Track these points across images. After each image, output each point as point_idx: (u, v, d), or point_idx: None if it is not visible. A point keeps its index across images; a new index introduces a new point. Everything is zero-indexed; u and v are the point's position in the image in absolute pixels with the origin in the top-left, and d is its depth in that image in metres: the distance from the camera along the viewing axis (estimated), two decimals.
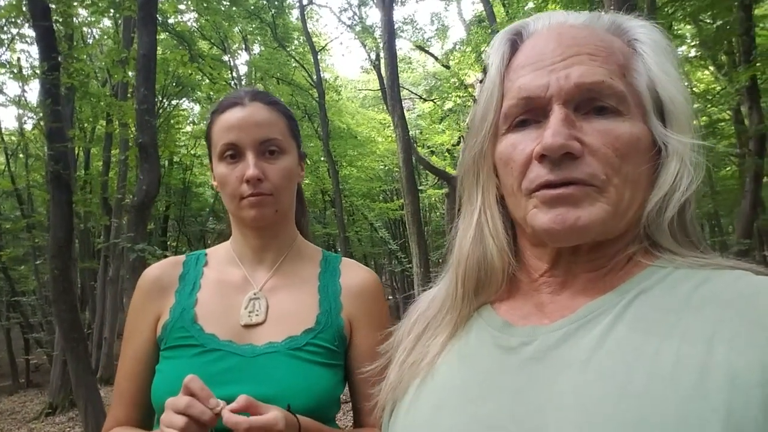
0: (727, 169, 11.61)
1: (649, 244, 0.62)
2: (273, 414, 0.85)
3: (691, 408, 0.47)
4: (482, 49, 12.58)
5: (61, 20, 6.40)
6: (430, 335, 0.72)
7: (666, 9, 6.80)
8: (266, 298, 1.09)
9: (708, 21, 8.09)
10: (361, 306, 1.12)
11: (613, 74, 0.59)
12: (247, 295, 1.09)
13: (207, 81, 14.30)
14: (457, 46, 15.44)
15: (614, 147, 0.57)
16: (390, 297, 21.49)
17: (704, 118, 9.90)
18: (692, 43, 9.45)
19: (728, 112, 9.50)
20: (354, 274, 1.15)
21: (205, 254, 1.18)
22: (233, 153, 1.06)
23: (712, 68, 9.93)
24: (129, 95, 10.52)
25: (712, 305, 0.53)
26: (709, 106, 8.88)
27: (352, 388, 1.12)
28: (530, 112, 0.61)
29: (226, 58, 17.18)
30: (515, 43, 0.66)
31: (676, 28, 8.77)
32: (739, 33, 6.73)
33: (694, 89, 10.85)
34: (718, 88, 8.92)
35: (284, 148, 1.09)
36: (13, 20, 9.88)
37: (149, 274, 1.13)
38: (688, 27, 9.14)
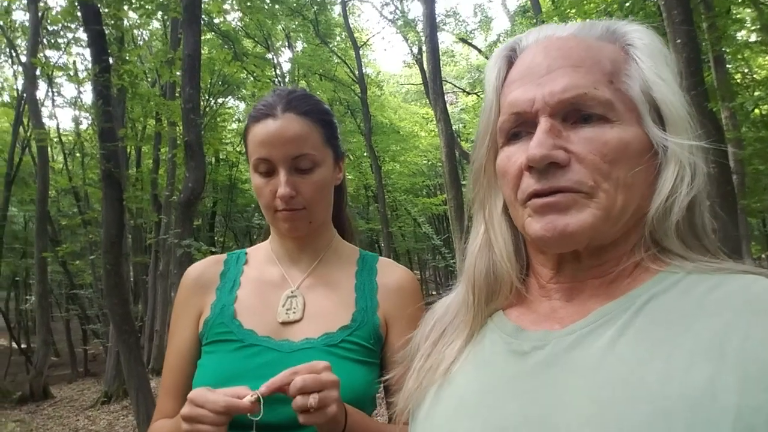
0: None
1: (658, 250, 0.62)
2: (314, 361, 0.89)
3: (701, 410, 0.47)
4: None
5: (111, 23, 6.60)
6: (446, 341, 0.74)
7: None
8: (303, 296, 1.10)
9: None
10: (398, 304, 1.11)
11: (597, 84, 0.60)
12: (284, 293, 1.11)
13: (251, 79, 14.58)
14: (501, 38, 15.17)
15: (602, 153, 0.59)
16: (434, 293, 21.46)
17: (765, 106, 9.40)
18: (752, 28, 8.98)
19: None
20: (391, 273, 1.16)
21: (246, 253, 1.21)
22: (266, 167, 1.07)
23: None
24: (177, 95, 10.82)
25: (725, 308, 0.53)
26: None
27: (387, 386, 1.11)
28: (522, 125, 0.64)
29: (269, 55, 17.46)
30: (511, 59, 0.69)
31: (734, 12, 8.34)
32: None
33: (754, 76, 10.29)
34: None
35: (317, 161, 1.08)
36: (67, 25, 10.32)
37: (191, 272, 1.16)
38: (748, 11, 8.68)
